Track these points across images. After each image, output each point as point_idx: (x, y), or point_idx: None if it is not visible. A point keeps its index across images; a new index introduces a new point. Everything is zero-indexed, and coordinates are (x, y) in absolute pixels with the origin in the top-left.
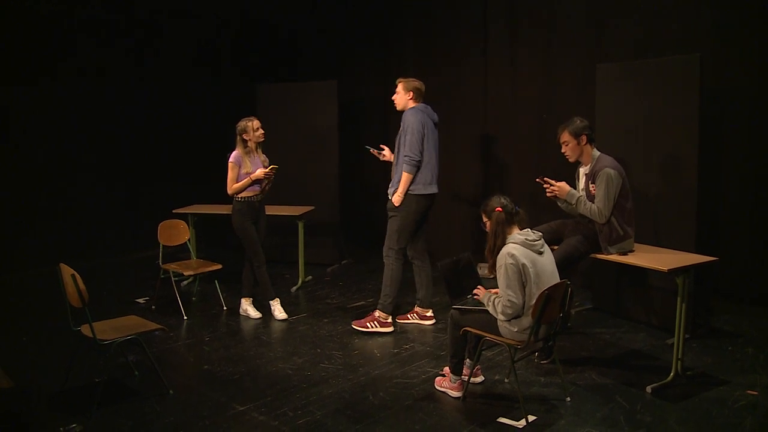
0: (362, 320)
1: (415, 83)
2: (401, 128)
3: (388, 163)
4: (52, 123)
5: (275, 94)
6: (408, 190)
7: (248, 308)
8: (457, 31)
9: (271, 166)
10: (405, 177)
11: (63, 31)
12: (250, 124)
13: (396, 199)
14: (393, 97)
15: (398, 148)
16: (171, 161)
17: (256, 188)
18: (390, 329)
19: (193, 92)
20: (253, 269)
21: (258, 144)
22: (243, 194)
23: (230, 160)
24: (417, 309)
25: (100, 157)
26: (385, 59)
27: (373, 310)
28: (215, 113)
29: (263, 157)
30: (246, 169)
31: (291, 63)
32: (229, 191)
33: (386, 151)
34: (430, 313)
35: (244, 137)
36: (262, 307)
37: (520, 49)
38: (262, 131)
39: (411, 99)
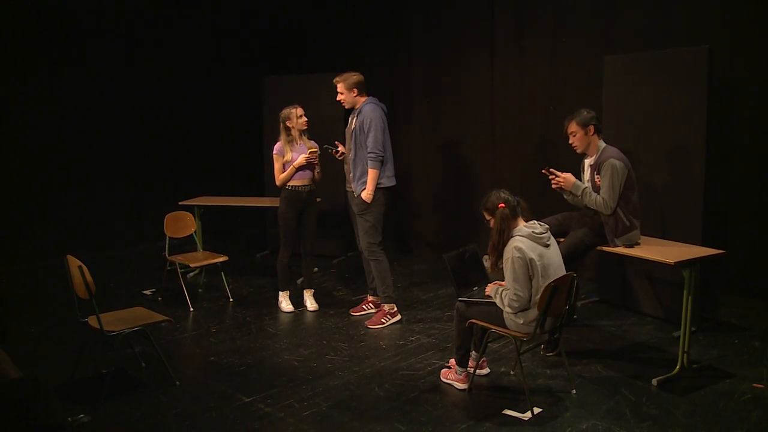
0: (374, 319)
1: (354, 78)
2: (358, 123)
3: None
4: (60, 116)
5: (282, 87)
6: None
7: (307, 299)
8: (464, 23)
9: (310, 150)
10: (373, 173)
11: (72, 24)
12: (293, 111)
13: (367, 196)
14: (338, 98)
15: (355, 143)
16: (177, 153)
17: (305, 176)
18: (399, 317)
19: (199, 85)
20: (279, 256)
21: (302, 131)
22: (290, 183)
23: (273, 151)
24: (371, 299)
25: (107, 150)
26: (392, 51)
27: (380, 307)
28: (222, 105)
29: (310, 143)
30: (287, 157)
31: (297, 55)
32: (277, 182)
33: (341, 148)
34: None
35: (288, 124)
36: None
37: (527, 41)
38: (306, 119)
39: (357, 95)
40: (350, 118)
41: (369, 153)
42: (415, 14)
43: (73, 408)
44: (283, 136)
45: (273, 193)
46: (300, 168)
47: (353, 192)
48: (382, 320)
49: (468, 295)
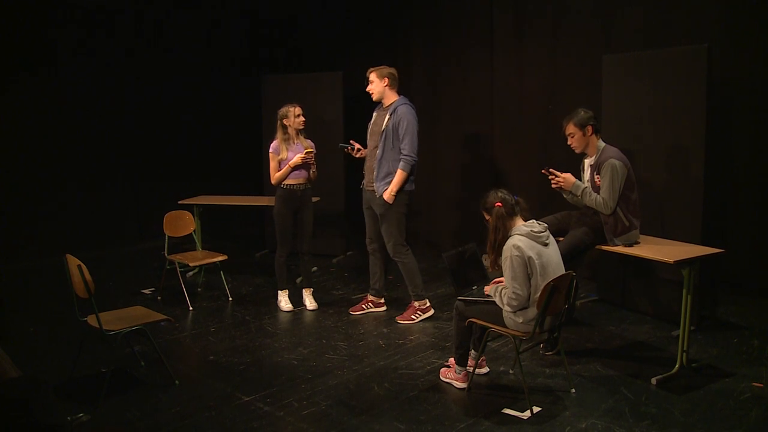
0: (405, 314)
1: (388, 69)
2: (391, 122)
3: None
4: (59, 115)
5: (280, 86)
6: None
7: (306, 298)
8: (463, 22)
9: (307, 150)
10: (402, 176)
11: (72, 23)
12: (292, 109)
13: (389, 196)
14: (368, 89)
15: (384, 143)
16: (177, 153)
17: (300, 176)
18: (432, 312)
19: (198, 84)
20: (276, 255)
21: (299, 131)
22: (285, 182)
23: (269, 150)
24: (371, 298)
25: (106, 149)
26: (391, 51)
27: (411, 303)
28: (221, 104)
29: (306, 143)
30: (282, 156)
31: (297, 55)
32: (272, 181)
33: (357, 146)
34: (382, 301)
35: (285, 122)
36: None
37: (527, 40)
38: (303, 118)
39: (387, 86)
40: (375, 114)
41: (404, 156)
42: (415, 13)
43: (72, 407)
44: (279, 134)
45: (272, 192)
46: (295, 167)
47: (374, 191)
48: (413, 316)
49: (467, 294)
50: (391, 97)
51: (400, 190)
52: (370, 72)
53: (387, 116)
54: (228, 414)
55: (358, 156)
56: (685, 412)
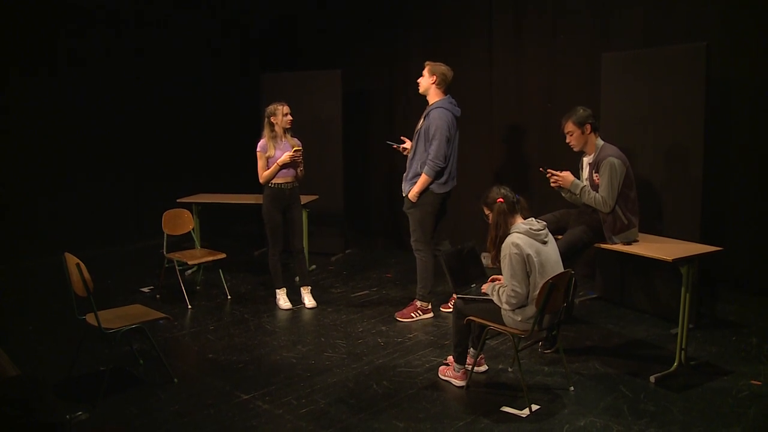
0: (405, 311)
1: (442, 68)
2: (424, 121)
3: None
4: (57, 114)
5: (279, 84)
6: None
7: (305, 296)
8: (462, 20)
9: (295, 148)
10: (425, 179)
11: (72, 23)
12: (279, 108)
13: (413, 196)
14: (418, 80)
15: (417, 140)
16: (176, 151)
17: (288, 174)
18: (431, 315)
19: (197, 82)
20: (269, 254)
21: (286, 129)
22: (273, 180)
23: (257, 149)
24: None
25: (105, 148)
26: (390, 49)
27: (413, 301)
28: (220, 103)
29: (293, 141)
30: (270, 153)
31: (295, 53)
32: (260, 180)
33: (407, 144)
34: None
35: (272, 120)
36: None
37: (526, 39)
38: (290, 117)
39: (434, 84)
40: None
41: (429, 161)
42: (415, 13)
43: (71, 405)
44: (266, 132)
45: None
46: (283, 166)
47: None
48: (412, 315)
49: (466, 292)
50: (434, 97)
51: (426, 191)
52: (426, 64)
53: (423, 117)
54: (227, 412)
55: (406, 154)
56: (684, 410)
